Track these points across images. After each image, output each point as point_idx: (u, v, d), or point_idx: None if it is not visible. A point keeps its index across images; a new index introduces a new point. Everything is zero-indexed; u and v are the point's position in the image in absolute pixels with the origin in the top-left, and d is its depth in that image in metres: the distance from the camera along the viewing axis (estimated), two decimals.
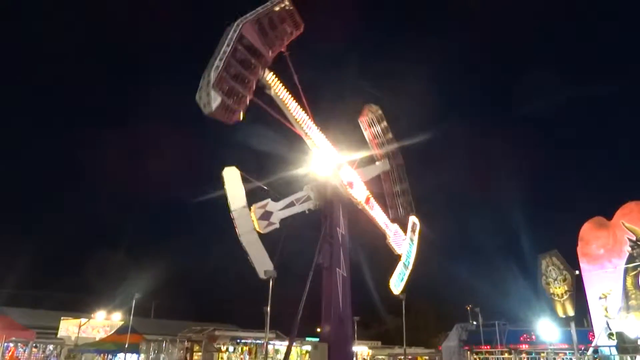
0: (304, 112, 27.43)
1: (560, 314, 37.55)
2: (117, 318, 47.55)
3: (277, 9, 25.64)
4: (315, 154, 28.85)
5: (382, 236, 34.83)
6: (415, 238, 37.30)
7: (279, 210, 27.51)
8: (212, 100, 21.53)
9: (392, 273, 34.92)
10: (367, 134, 36.07)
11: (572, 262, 37.40)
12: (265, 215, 26.71)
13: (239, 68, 23.22)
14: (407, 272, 35.67)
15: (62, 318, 46.12)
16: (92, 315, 47.22)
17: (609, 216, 34.94)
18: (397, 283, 34.42)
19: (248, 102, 23.86)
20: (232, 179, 26.23)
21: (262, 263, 24.98)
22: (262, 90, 25.63)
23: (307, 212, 29.47)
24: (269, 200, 27.36)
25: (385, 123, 35.94)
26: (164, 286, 57.22)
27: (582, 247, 36.00)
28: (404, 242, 35.92)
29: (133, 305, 35.71)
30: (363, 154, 34.41)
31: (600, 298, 33.76)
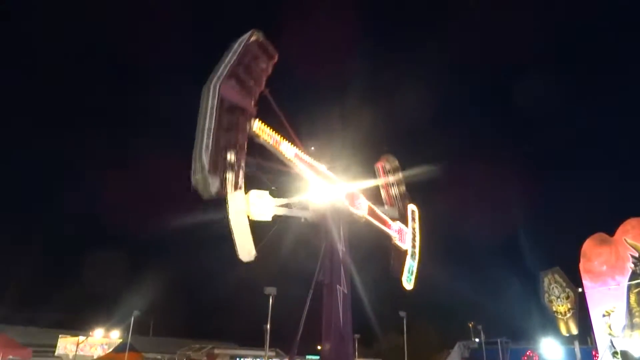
0: (296, 147, 27.58)
1: (564, 332, 37.16)
2: (115, 336, 47.13)
3: (250, 42, 24.37)
4: (313, 184, 28.88)
5: (386, 238, 34.82)
6: (417, 226, 36.98)
7: (274, 206, 27.27)
8: (210, 185, 20.76)
9: (400, 277, 34.94)
10: (381, 181, 36.25)
11: (574, 278, 37.15)
12: (260, 204, 26.42)
13: (228, 136, 22.30)
14: (416, 264, 35.43)
15: (60, 336, 45.71)
16: (90, 333, 46.81)
17: (611, 232, 34.78)
18: (408, 278, 34.43)
19: (244, 166, 23.11)
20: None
21: (244, 247, 23.88)
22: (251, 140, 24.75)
23: (303, 220, 29.29)
24: (267, 193, 26.96)
25: (400, 175, 36.16)
26: (163, 303, 56.75)
27: (584, 264, 35.76)
28: (407, 235, 35.75)
29: (132, 322, 35.43)
30: (368, 182, 34.33)
31: (603, 316, 33.44)
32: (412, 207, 37.17)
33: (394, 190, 36.28)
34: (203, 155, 20.83)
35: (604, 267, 34.32)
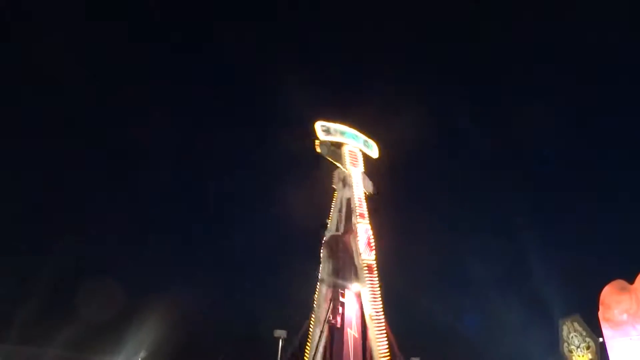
0: None
1: None
2: None
3: None
4: None
5: None
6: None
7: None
8: None
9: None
10: None
11: (595, 327, 35.92)
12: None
13: None
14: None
15: None
16: None
17: (630, 280, 33.87)
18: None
19: None
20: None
21: None
22: None
23: None
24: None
25: None
26: (171, 344, 55.81)
27: (603, 312, 34.58)
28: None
29: None
30: None
31: None
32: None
33: None
34: None
35: (625, 316, 33.14)
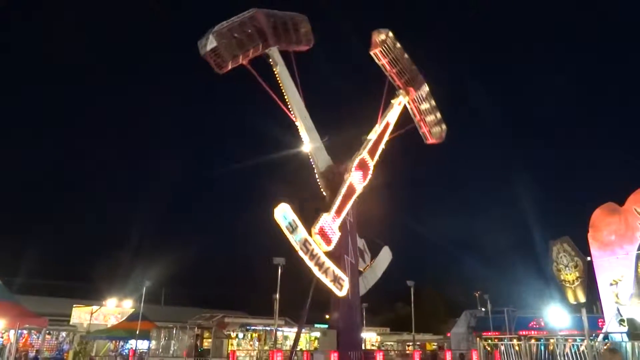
0: (301, 99, 28.08)
1: (572, 300, 37.47)
2: (128, 305, 48.12)
3: (295, 19, 28.03)
4: (305, 138, 28.49)
5: None
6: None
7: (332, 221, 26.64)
8: (208, 43, 23.94)
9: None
10: (383, 64, 32.04)
11: (582, 248, 37.16)
12: (325, 232, 25.82)
13: (243, 36, 25.58)
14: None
15: (74, 305, 46.82)
16: (104, 303, 47.83)
17: (621, 202, 34.48)
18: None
19: (240, 62, 26.10)
20: (286, 215, 24.39)
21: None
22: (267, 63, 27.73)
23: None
24: (322, 214, 26.05)
25: (399, 45, 31.49)
26: (175, 274, 57.73)
27: (593, 234, 35.59)
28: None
29: (144, 292, 36.14)
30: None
31: (611, 284, 33.47)
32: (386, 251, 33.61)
33: (399, 66, 32.10)
34: (217, 26, 24.27)
35: (613, 237, 34.12)
